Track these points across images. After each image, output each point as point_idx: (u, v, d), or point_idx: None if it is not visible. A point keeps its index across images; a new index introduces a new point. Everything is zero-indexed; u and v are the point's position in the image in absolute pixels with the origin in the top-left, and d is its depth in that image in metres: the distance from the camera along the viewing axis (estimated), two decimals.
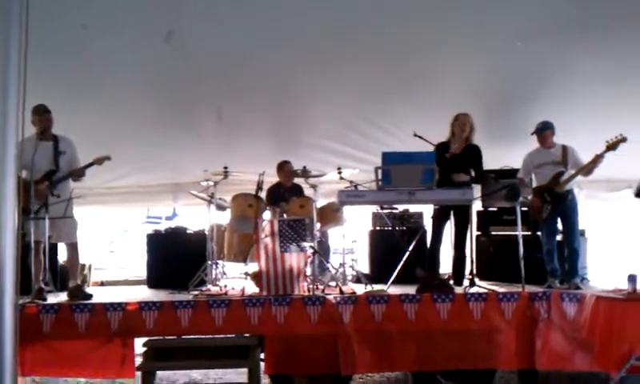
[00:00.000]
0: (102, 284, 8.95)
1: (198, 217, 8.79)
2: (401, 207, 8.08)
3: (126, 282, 8.96)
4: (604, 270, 8.24)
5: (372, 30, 7.27)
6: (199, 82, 7.66)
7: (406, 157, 6.41)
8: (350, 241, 8.09)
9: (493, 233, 8.07)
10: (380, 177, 6.32)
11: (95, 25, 6.86)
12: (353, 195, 6.72)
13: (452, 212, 6.95)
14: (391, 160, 6.38)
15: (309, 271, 6.85)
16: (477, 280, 6.89)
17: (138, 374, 5.87)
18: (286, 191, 7.96)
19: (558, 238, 7.09)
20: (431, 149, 6.80)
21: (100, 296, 6.75)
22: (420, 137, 6.73)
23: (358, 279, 7.57)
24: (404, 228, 7.88)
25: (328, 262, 7.53)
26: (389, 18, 7.16)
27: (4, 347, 3.23)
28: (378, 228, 8.30)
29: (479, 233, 8.35)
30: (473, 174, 6.94)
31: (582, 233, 7.82)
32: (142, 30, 7.01)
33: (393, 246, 7.41)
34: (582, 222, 7.89)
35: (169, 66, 7.44)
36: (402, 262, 6.76)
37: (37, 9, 6.16)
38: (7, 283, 3.23)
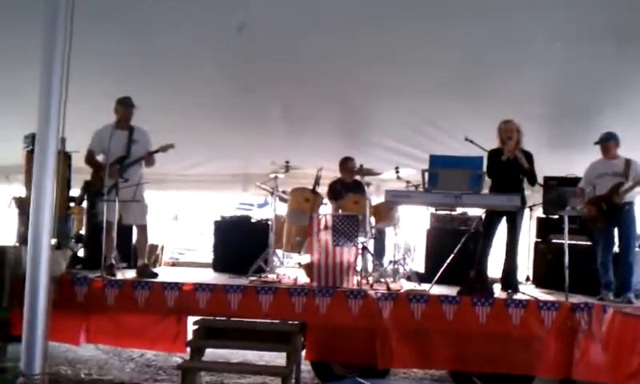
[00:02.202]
0: (174, 264, 9.53)
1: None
2: (460, 210, 8.15)
3: (195, 264, 9.46)
4: None
5: (438, 32, 7.35)
6: (267, 76, 7.99)
7: (453, 161, 6.52)
8: (405, 240, 8.22)
9: (553, 241, 7.96)
10: (427, 179, 6.45)
11: (167, 19, 7.33)
12: (399, 195, 6.85)
13: (505, 218, 6.95)
14: (439, 163, 6.50)
15: (360, 266, 7.07)
16: (524, 287, 6.92)
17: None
18: (343, 187, 8.21)
19: (616, 250, 7.00)
20: (483, 153, 6.84)
21: (165, 275, 7.28)
22: (471, 141, 6.77)
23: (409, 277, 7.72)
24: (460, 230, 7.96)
25: (378, 260, 7.73)
26: (454, 21, 7.23)
27: (37, 314, 3.65)
28: (435, 228, 8.39)
29: (539, 240, 8.32)
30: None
31: None
32: (213, 24, 7.37)
33: (449, 246, 7.47)
34: None
35: (239, 60, 7.81)
36: (446, 263, 6.84)
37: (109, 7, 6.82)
38: (43, 254, 3.68)
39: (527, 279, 8.49)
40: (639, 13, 6.88)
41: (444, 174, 6.42)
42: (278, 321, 6.37)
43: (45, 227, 3.75)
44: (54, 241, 7.15)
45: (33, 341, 3.62)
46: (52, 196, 3.82)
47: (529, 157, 6.91)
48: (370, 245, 7.66)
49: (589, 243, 7.35)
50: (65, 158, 7.43)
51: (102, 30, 7.37)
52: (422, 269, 8.14)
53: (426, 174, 6.46)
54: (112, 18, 7.29)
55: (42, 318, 3.69)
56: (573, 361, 5.88)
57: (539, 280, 8.06)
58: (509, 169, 6.82)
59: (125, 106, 7.22)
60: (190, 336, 6.36)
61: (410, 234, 8.35)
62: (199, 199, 11.35)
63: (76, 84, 7.32)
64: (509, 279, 6.89)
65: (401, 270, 7.84)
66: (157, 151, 7.18)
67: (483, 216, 7.22)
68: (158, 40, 7.65)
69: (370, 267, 7.53)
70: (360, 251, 6.99)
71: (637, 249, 7.13)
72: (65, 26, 3.86)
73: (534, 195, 8.19)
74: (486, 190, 6.95)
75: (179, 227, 16.94)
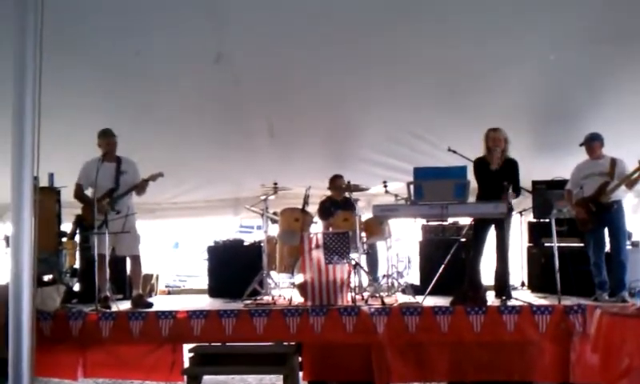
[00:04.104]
0: (169, 293, 9.54)
1: None
2: (450, 220, 8.14)
3: (194, 291, 9.47)
4: None
5: (422, 45, 7.39)
6: (250, 100, 8.07)
7: (437, 172, 6.54)
8: (397, 253, 8.22)
9: (545, 244, 7.95)
10: (412, 192, 6.48)
11: (150, 50, 7.38)
12: (387, 209, 6.86)
13: (493, 225, 6.97)
14: (423, 175, 6.52)
15: (354, 282, 7.07)
16: (519, 292, 6.91)
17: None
18: (333, 205, 8.26)
19: (608, 249, 7.01)
20: (466, 163, 6.87)
21: (160, 304, 7.29)
22: (454, 151, 6.84)
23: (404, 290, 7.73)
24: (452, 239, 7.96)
25: (372, 274, 7.75)
26: (438, 34, 7.27)
27: (22, 351, 3.67)
28: (427, 239, 8.40)
29: (531, 244, 8.35)
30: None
31: (637, 244, 7.66)
32: (197, 53, 7.45)
33: (441, 257, 7.45)
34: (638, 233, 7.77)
35: (220, 86, 7.86)
36: (438, 274, 6.86)
37: (93, 39, 6.89)
38: (25, 290, 3.70)
39: (522, 284, 8.50)
40: (621, 16, 6.93)
41: (429, 186, 6.43)
42: (273, 343, 6.38)
43: (25, 263, 3.77)
44: (48, 277, 7.33)
45: (19, 379, 3.63)
46: (31, 232, 3.83)
47: (514, 165, 6.96)
48: (363, 260, 7.67)
49: (581, 245, 7.36)
50: (53, 194, 7.54)
51: (87, 67, 7.50)
52: (417, 281, 8.15)
53: (411, 187, 6.49)
54: (95, 55, 7.37)
55: (27, 355, 3.70)
56: (570, 364, 5.88)
57: (534, 284, 8.09)
58: (496, 177, 6.85)
59: (106, 138, 7.25)
60: (186, 364, 6.37)
61: (404, 247, 8.37)
62: (199, 225, 11.38)
63: (63, 121, 7.53)
64: (501, 286, 6.88)
65: (395, 283, 7.85)
66: (147, 180, 7.24)
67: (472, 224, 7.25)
68: (143, 72, 7.71)
69: (365, 283, 7.52)
70: (353, 268, 6.98)
71: (628, 247, 7.16)
72: (34, 63, 3.90)
73: (525, 200, 8.20)
74: (473, 199, 7.00)
75: (180, 254, 16.93)
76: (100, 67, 7.50)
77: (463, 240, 7.57)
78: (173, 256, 15.56)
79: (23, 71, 3.89)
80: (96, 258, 6.87)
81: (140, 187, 7.29)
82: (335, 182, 8.40)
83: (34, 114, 3.87)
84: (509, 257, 6.98)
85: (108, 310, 6.73)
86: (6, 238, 7.37)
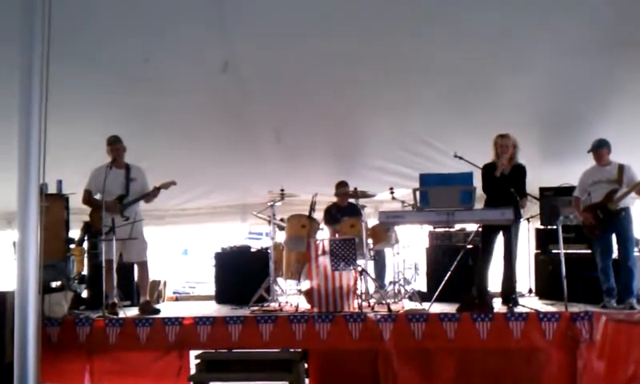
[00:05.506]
0: (177, 299, 9.56)
1: None
2: (458, 226, 8.14)
3: (202, 298, 9.49)
4: None
5: (427, 53, 7.41)
6: (257, 107, 8.16)
7: (444, 178, 6.56)
8: (404, 260, 8.19)
9: (553, 251, 7.91)
10: (418, 198, 6.47)
11: (158, 58, 7.43)
12: (393, 216, 6.87)
13: (501, 232, 6.94)
14: (429, 181, 6.54)
15: (360, 289, 7.07)
16: (526, 299, 6.88)
17: None
18: (339, 211, 8.26)
19: (616, 256, 6.98)
20: (473, 169, 6.87)
21: (168, 311, 7.33)
22: (461, 157, 6.83)
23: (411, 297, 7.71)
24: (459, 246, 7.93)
25: (379, 281, 7.74)
26: (448, 41, 7.27)
27: (27, 358, 3.68)
28: (434, 246, 8.36)
29: (538, 251, 8.30)
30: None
31: None
32: (201, 61, 7.51)
33: (448, 263, 7.41)
34: None
35: (228, 93, 7.93)
36: (445, 281, 6.83)
37: (102, 46, 6.94)
38: (30, 296, 3.72)
39: (530, 291, 8.46)
40: (631, 23, 6.93)
41: (435, 192, 6.44)
42: (279, 350, 6.38)
43: (31, 269, 3.80)
44: (56, 283, 7.37)
45: None
46: (37, 238, 3.87)
47: (521, 170, 6.94)
48: (370, 267, 7.66)
49: (588, 251, 7.33)
50: (61, 200, 7.57)
51: (98, 74, 7.55)
52: (424, 288, 8.13)
53: (417, 193, 6.48)
54: (105, 62, 7.42)
55: (33, 362, 3.71)
56: (577, 371, 5.85)
57: (541, 291, 8.05)
58: (503, 183, 6.82)
59: (113, 144, 7.28)
60: (192, 370, 6.38)
61: (411, 254, 8.35)
62: (208, 231, 11.43)
63: (73, 129, 7.59)
64: (508, 292, 6.84)
65: (402, 290, 7.83)
66: (159, 188, 7.29)
67: (481, 231, 7.23)
68: (151, 80, 7.76)
69: (371, 289, 7.51)
70: (359, 274, 6.98)
71: (636, 253, 7.11)
72: (41, 69, 3.92)
73: (532, 207, 8.17)
74: (481, 205, 6.98)
75: (190, 261, 16.97)
76: (110, 75, 7.57)
77: (470, 247, 7.53)
78: (182, 262, 15.59)
79: (30, 77, 3.91)
80: (103, 264, 6.91)
81: (152, 195, 7.34)
82: (340, 188, 8.42)
83: (40, 121, 3.89)
84: (516, 264, 6.94)
85: (115, 317, 6.77)
86: (15, 244, 7.39)
